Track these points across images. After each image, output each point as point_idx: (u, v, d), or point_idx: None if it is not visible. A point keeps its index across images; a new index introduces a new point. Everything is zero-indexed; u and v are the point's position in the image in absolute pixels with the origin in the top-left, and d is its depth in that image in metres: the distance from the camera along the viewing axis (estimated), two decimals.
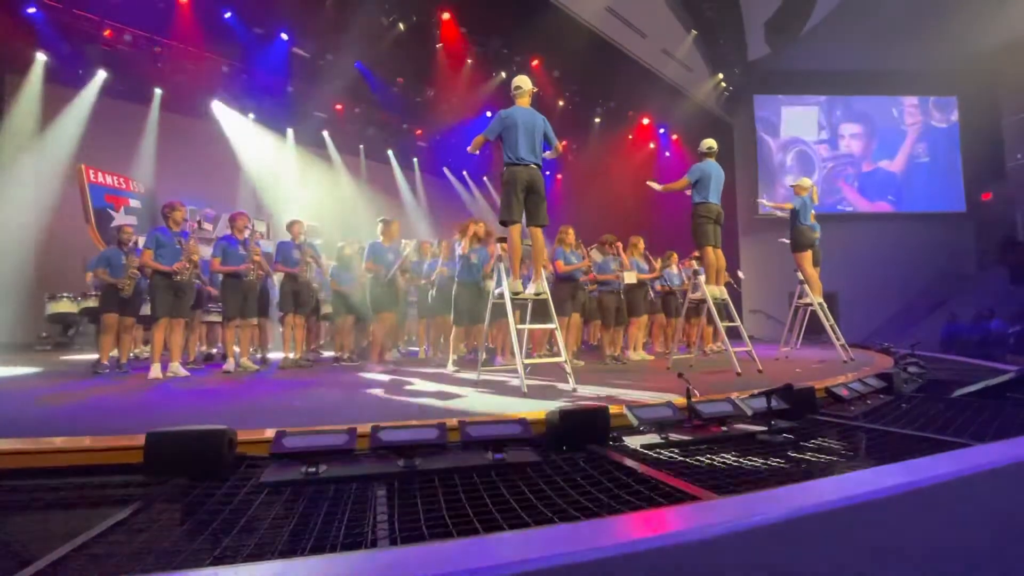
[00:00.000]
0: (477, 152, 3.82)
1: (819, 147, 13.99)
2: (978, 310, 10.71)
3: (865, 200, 13.87)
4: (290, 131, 11.35)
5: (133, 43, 8.64)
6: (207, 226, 8.88)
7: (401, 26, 9.35)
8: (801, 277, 5.68)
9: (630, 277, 6.13)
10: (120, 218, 8.52)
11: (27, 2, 7.71)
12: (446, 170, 14.01)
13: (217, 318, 6.07)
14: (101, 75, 8.85)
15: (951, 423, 2.41)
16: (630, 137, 13.84)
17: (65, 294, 7.41)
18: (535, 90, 3.87)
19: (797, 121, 14.03)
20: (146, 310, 5.29)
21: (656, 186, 5.08)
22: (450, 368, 5.14)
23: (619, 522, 1.08)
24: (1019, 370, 3.37)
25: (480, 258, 5.39)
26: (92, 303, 6.23)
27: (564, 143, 4.04)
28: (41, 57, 8.38)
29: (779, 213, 5.95)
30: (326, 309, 6.55)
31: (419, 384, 4.01)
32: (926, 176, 13.88)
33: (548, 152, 3.83)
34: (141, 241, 5.17)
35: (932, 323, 11.61)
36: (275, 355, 6.52)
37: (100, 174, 8.91)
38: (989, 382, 3.11)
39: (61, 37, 8.22)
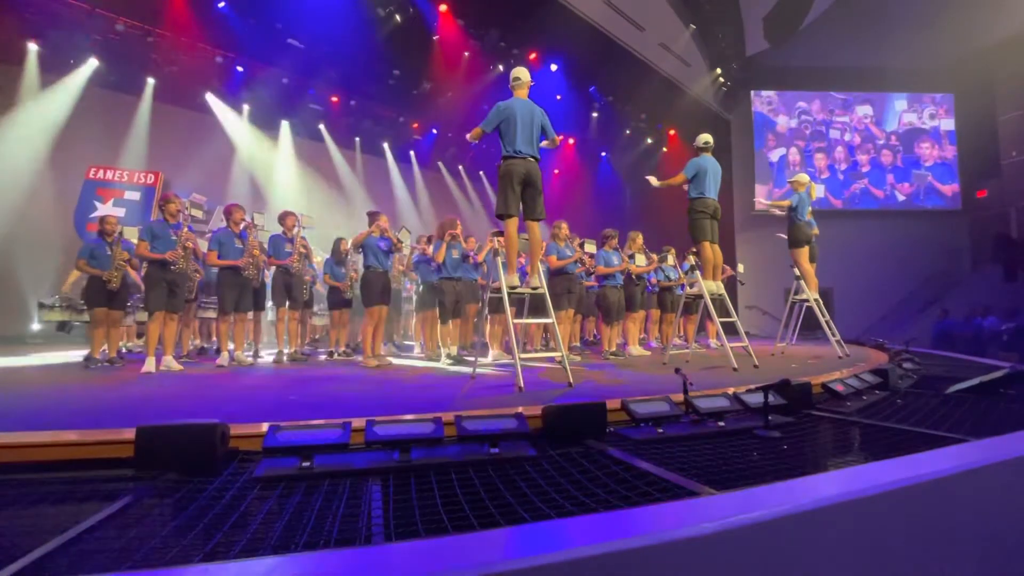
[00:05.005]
0: (476, 141, 3.79)
1: (817, 142, 14.01)
2: (971, 307, 10.78)
3: (862, 194, 13.91)
4: (285, 123, 11.25)
5: (125, 32, 8.50)
6: (197, 212, 8.68)
7: (398, 18, 9.25)
8: (797, 273, 5.69)
9: (640, 260, 6.15)
10: (106, 210, 8.41)
11: None
12: (440, 164, 13.92)
13: (212, 313, 6.02)
14: (92, 65, 8.73)
15: (947, 419, 2.42)
16: (627, 132, 13.81)
17: (57, 303, 7.19)
18: (532, 83, 3.83)
19: (796, 117, 14.03)
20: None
21: (655, 182, 5.06)
22: (444, 362, 5.15)
23: (617, 517, 1.07)
24: (1012, 367, 3.39)
25: (460, 252, 5.56)
26: (85, 317, 5.95)
27: (560, 136, 3.99)
28: (33, 46, 8.26)
29: (776, 212, 5.94)
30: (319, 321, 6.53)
31: (414, 378, 3.99)
32: (921, 173, 13.93)
33: (544, 142, 3.79)
34: (128, 232, 5.11)
35: (926, 320, 11.69)
36: (269, 349, 6.48)
37: (100, 170, 8.85)
38: (983, 378, 3.12)
39: (51, 26, 8.08)
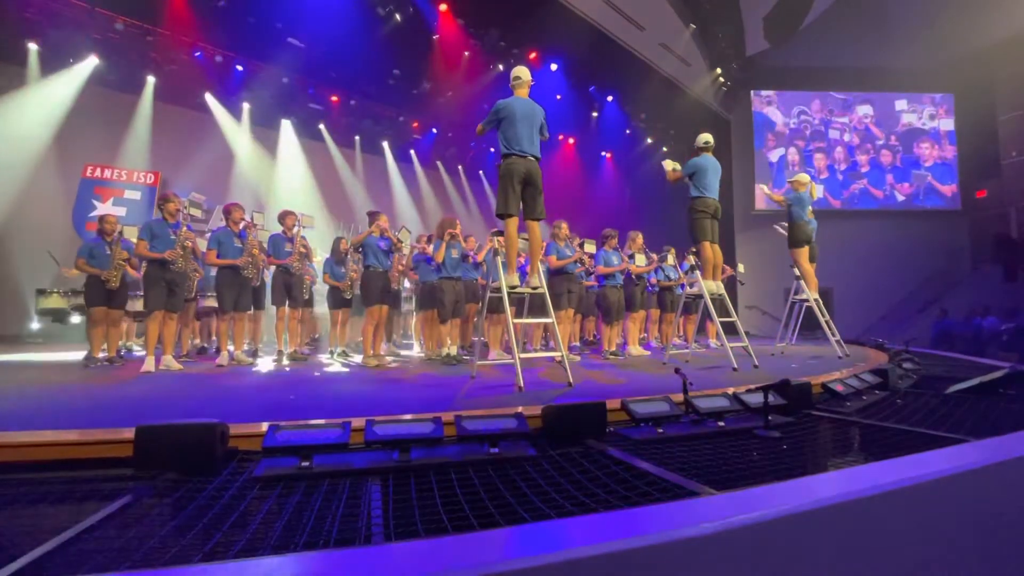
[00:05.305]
0: (481, 135, 3.81)
1: (816, 143, 14.01)
2: (971, 307, 10.78)
3: (861, 194, 13.91)
4: (285, 123, 11.24)
5: (125, 31, 8.49)
6: (196, 211, 8.65)
7: (398, 17, 9.24)
8: (797, 273, 5.69)
9: (640, 260, 6.16)
10: (106, 209, 8.40)
11: None
12: (440, 164, 13.90)
13: (212, 302, 6.01)
14: (92, 63, 8.72)
15: (946, 419, 2.42)
16: (627, 132, 13.80)
17: (55, 289, 7.30)
18: (533, 82, 3.83)
19: (795, 117, 14.04)
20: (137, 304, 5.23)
21: (668, 165, 5.04)
22: (444, 361, 5.14)
23: (617, 518, 1.07)
24: (1012, 367, 3.40)
25: (459, 251, 5.55)
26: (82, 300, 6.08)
27: (560, 136, 4.00)
28: (33, 46, 8.25)
29: (777, 197, 5.97)
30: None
31: (414, 378, 3.99)
32: (921, 173, 13.93)
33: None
34: (127, 231, 5.10)
35: (926, 320, 11.70)
36: (269, 348, 6.48)
37: (98, 168, 8.84)
38: (983, 378, 3.12)
39: (51, 25, 8.07)
